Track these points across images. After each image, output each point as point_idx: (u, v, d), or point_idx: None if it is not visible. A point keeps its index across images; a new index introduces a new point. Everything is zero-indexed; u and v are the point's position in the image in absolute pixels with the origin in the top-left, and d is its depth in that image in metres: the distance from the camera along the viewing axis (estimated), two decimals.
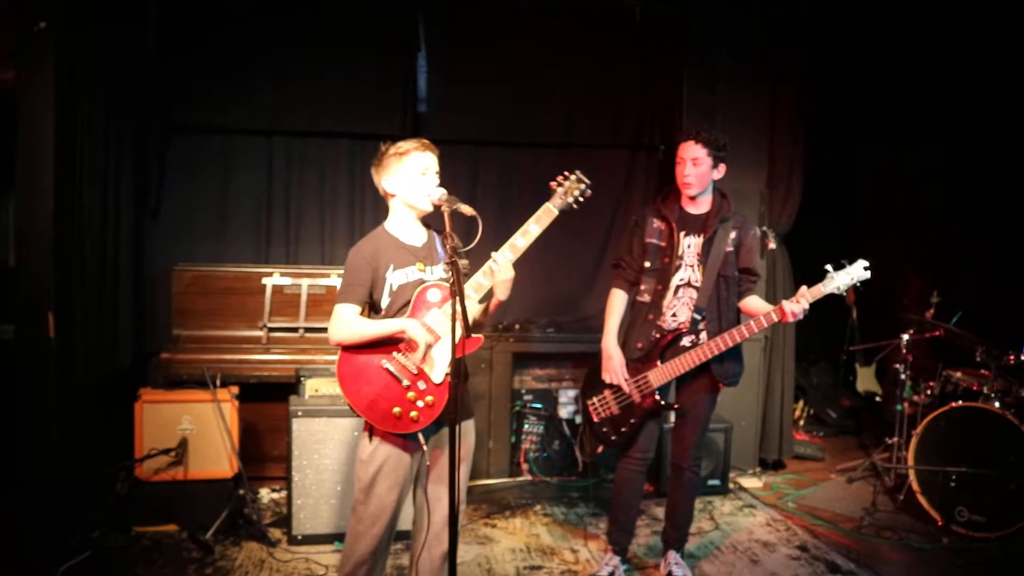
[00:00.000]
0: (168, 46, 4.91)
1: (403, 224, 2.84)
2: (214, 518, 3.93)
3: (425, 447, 2.75)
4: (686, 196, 3.49)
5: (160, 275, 4.85)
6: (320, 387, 4.07)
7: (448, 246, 2.53)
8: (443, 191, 2.72)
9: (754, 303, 3.51)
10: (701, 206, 3.51)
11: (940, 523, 4.28)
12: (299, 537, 3.92)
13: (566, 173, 2.89)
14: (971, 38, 5.45)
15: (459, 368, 2.49)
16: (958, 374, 4.79)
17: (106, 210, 4.45)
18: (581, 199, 2.88)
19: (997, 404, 4.30)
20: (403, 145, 2.79)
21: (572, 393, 5.20)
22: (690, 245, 3.49)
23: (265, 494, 4.63)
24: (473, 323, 2.83)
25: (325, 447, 3.93)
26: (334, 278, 4.59)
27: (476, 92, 5.38)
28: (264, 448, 4.67)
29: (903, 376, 5.06)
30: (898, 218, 6.59)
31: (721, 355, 3.37)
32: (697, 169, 3.41)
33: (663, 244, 3.51)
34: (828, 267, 3.22)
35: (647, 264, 3.53)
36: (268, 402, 4.51)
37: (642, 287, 3.56)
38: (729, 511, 4.63)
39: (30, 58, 3.72)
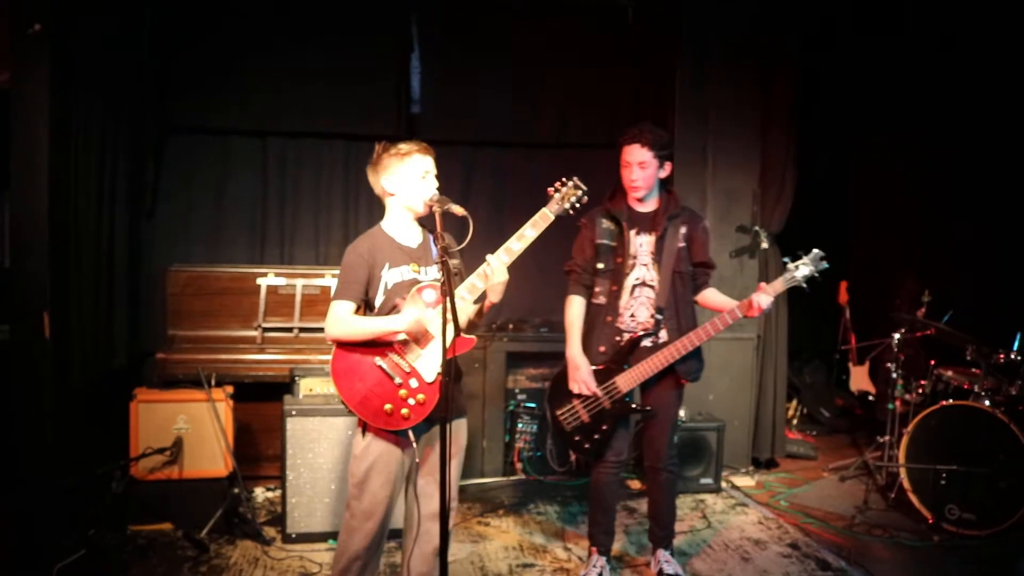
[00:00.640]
0: (163, 48, 4.94)
1: (399, 224, 2.87)
2: (209, 517, 3.95)
3: (415, 444, 2.77)
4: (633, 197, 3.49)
5: (155, 275, 4.87)
6: (314, 386, 4.10)
7: (439, 246, 2.56)
8: (435, 192, 2.75)
9: (712, 296, 3.51)
10: (649, 204, 3.50)
11: (931, 521, 4.29)
12: (293, 535, 3.94)
13: (564, 179, 2.89)
14: (971, 38, 5.47)
15: (451, 367, 2.51)
16: (949, 373, 4.81)
17: (101, 210, 4.48)
18: (578, 205, 2.90)
19: (987, 402, 4.32)
20: (404, 147, 2.81)
21: None
22: (642, 244, 3.47)
23: (260, 493, 4.64)
24: (467, 324, 2.87)
25: (319, 446, 3.95)
26: (328, 278, 4.60)
27: (469, 93, 5.41)
28: (259, 447, 4.69)
29: (895, 375, 5.09)
30: (893, 218, 6.60)
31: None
32: (644, 172, 3.39)
33: (614, 244, 3.49)
34: (786, 260, 3.24)
35: (600, 265, 3.50)
36: (263, 401, 4.52)
37: (596, 289, 3.51)
38: (721, 509, 4.65)
39: (25, 59, 3.72)
